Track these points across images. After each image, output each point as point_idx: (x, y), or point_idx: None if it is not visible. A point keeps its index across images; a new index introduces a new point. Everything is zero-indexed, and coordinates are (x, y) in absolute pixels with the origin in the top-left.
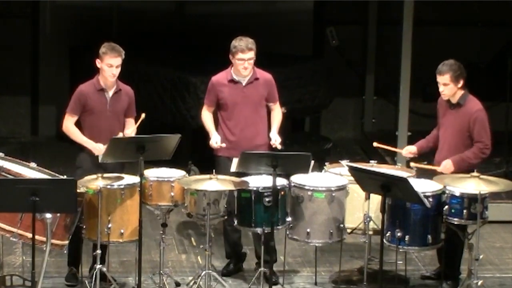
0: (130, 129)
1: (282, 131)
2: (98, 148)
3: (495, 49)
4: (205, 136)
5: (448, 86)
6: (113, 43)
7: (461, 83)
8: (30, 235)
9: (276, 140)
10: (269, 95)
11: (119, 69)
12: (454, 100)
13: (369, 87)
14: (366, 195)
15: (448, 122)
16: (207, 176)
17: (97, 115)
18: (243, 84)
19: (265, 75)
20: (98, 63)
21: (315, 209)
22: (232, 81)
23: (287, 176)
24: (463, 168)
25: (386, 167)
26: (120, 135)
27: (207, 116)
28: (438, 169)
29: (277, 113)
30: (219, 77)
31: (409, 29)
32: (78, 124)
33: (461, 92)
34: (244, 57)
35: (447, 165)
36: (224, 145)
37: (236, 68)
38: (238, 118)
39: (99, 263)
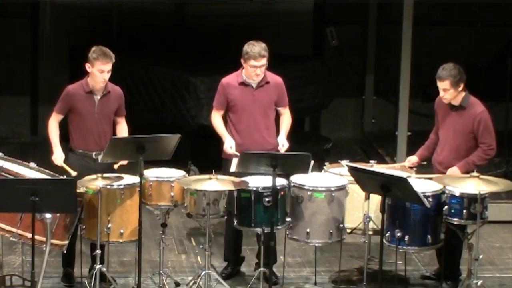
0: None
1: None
2: (58, 157)
3: (495, 49)
4: (205, 136)
5: (449, 91)
6: (103, 47)
7: (461, 86)
8: (30, 235)
9: (283, 144)
10: (279, 99)
11: (109, 73)
12: (456, 103)
13: (368, 87)
14: (366, 195)
15: (450, 124)
16: (207, 176)
17: (85, 117)
18: (254, 87)
19: (275, 79)
20: (88, 67)
21: (314, 209)
22: (243, 83)
23: (286, 176)
24: (470, 172)
25: (386, 167)
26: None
27: (218, 120)
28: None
29: (287, 118)
30: (230, 79)
31: (409, 29)
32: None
33: (462, 94)
34: (256, 64)
35: (454, 172)
36: (238, 154)
37: (248, 73)
38: (248, 121)
39: (98, 263)
